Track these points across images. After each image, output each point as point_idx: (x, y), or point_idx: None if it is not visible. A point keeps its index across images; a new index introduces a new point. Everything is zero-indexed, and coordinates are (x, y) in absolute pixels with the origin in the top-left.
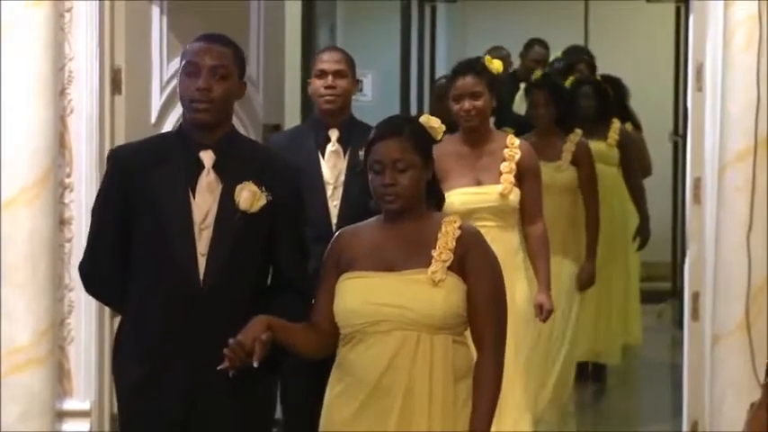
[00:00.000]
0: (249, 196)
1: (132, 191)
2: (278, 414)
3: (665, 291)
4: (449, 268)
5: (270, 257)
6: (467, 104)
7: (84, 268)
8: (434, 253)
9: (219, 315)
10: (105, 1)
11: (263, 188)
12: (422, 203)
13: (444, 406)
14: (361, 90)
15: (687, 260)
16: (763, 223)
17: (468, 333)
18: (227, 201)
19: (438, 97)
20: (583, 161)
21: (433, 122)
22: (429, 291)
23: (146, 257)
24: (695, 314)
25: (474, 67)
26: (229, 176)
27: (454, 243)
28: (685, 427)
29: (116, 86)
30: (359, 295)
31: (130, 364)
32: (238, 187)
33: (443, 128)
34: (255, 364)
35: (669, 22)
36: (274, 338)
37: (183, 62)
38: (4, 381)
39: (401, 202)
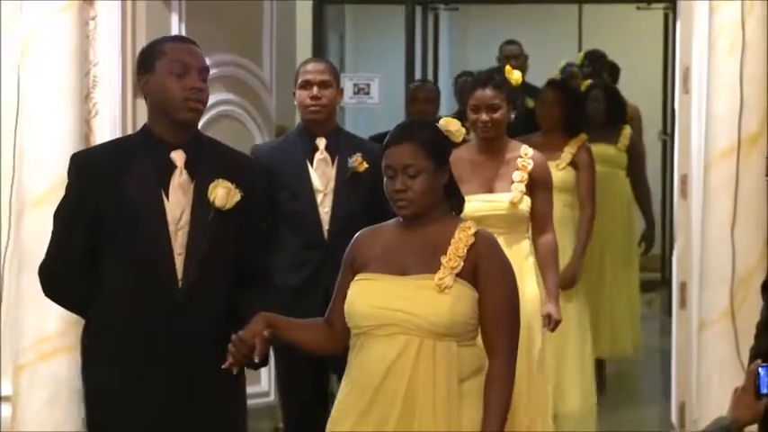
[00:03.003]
0: (224, 193)
1: (102, 194)
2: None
3: (655, 281)
4: (461, 275)
5: (239, 251)
6: (484, 116)
7: (47, 268)
8: (443, 259)
9: (198, 313)
10: (127, 8)
11: (234, 184)
12: (438, 207)
13: (450, 410)
14: (368, 93)
15: (675, 252)
16: (746, 217)
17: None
18: (200, 199)
19: (412, 99)
20: (583, 164)
21: (451, 126)
22: (435, 297)
23: (120, 259)
24: (683, 302)
25: (494, 78)
26: (201, 175)
27: (465, 250)
28: (674, 408)
29: (138, 90)
30: (366, 298)
31: (105, 367)
32: (212, 185)
33: (463, 131)
34: (256, 360)
35: (657, 28)
36: (276, 335)
37: (167, 61)
38: (33, 368)
39: (413, 208)
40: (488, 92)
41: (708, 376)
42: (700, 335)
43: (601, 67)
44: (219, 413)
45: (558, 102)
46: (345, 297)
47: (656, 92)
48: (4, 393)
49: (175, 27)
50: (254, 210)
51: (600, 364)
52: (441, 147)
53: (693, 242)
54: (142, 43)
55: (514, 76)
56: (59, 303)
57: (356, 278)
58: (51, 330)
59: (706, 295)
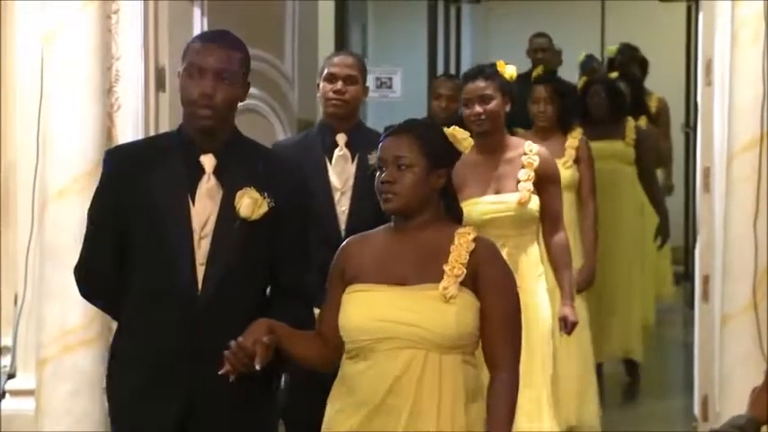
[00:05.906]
0: (250, 203)
1: (130, 194)
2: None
3: (678, 273)
4: (463, 283)
5: (271, 264)
6: (477, 108)
7: (81, 269)
8: (446, 267)
9: (219, 325)
10: (150, 2)
11: (265, 193)
12: (429, 211)
13: (454, 427)
14: (390, 87)
15: (697, 245)
16: None
17: (478, 353)
18: (227, 208)
19: (434, 95)
20: (585, 160)
21: (458, 134)
22: (441, 308)
23: (143, 264)
24: (705, 296)
25: (483, 70)
26: (230, 182)
27: (467, 257)
28: (696, 401)
29: (160, 84)
30: (364, 310)
31: (127, 372)
32: (239, 193)
33: (471, 141)
34: (258, 368)
35: (680, 21)
36: (276, 344)
37: (187, 61)
38: (57, 361)
39: (398, 202)
40: (479, 83)
41: (730, 369)
42: (722, 328)
43: (631, 58)
44: (244, 420)
45: (549, 99)
46: (336, 309)
47: (678, 85)
48: (26, 387)
49: (197, 21)
50: (289, 221)
51: (598, 368)
52: (439, 148)
53: (716, 235)
54: (165, 37)
55: (508, 71)
56: (96, 305)
57: (349, 290)
58: (75, 323)
59: (729, 288)
